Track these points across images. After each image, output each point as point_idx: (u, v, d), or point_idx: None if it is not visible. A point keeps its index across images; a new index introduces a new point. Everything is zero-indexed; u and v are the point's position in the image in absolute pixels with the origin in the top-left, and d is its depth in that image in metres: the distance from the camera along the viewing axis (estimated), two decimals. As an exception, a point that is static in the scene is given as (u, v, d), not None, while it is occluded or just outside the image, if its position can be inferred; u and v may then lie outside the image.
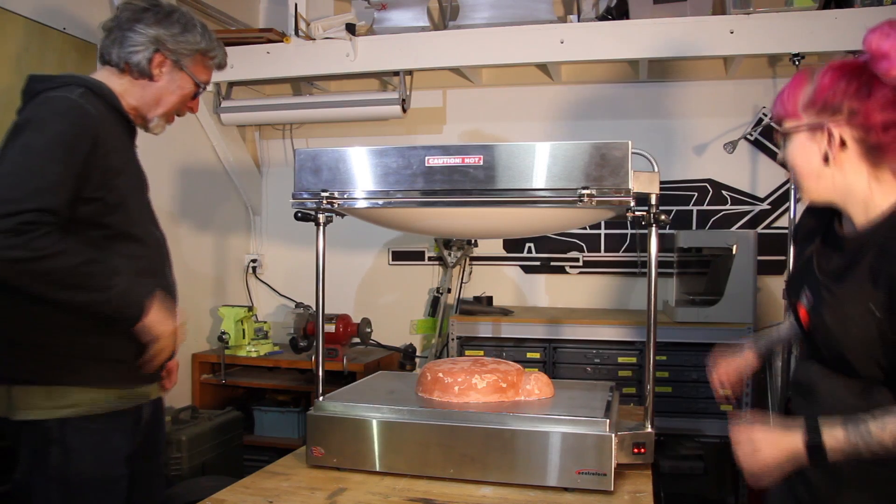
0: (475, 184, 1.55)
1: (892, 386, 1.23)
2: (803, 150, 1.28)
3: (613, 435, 1.48)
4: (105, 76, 1.61)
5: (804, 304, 1.35)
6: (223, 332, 3.28)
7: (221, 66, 1.75)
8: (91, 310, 1.45)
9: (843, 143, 1.24)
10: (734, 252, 2.83)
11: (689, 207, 3.33)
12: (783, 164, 1.34)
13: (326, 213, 1.72)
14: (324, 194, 1.64)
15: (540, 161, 1.53)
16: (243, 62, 3.24)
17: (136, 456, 1.64)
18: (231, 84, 3.45)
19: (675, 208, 3.32)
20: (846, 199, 1.29)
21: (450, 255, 3.49)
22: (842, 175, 1.26)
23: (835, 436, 1.17)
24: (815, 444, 1.18)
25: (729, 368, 1.70)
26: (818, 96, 1.25)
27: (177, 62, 1.62)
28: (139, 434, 1.65)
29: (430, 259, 3.65)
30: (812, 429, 1.18)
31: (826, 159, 1.25)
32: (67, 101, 1.45)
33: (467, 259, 3.57)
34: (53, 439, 1.49)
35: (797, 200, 2.88)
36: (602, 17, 2.97)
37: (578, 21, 2.98)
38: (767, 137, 3.26)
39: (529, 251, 3.55)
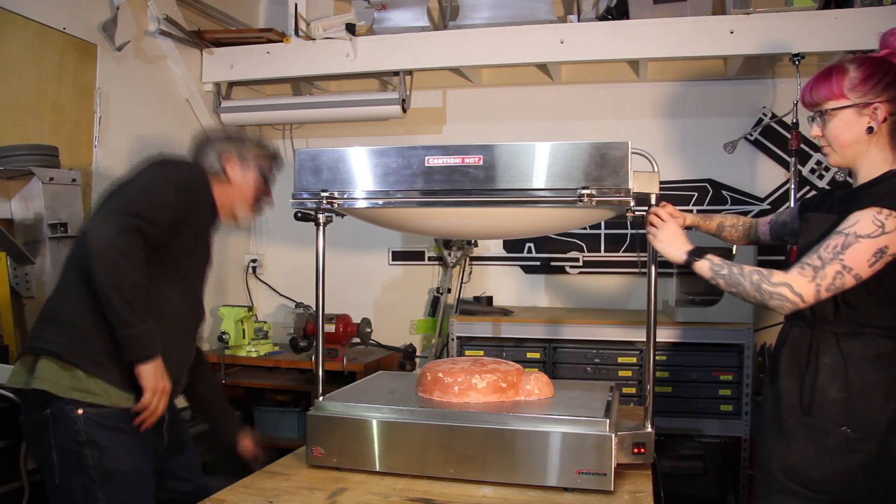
0: (475, 184, 1.55)
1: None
2: (848, 123, 1.55)
3: (613, 435, 1.48)
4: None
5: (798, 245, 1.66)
6: (223, 332, 3.28)
7: (276, 167, 2.04)
8: (116, 322, 1.61)
9: (884, 119, 1.52)
10: (734, 252, 2.83)
11: (690, 207, 3.33)
12: (814, 139, 1.62)
13: (326, 213, 1.73)
14: (324, 194, 1.64)
15: (540, 161, 1.53)
16: (243, 62, 3.25)
17: (166, 454, 1.83)
18: (231, 84, 3.45)
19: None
20: (863, 164, 1.57)
21: (450, 255, 3.48)
22: (872, 144, 1.55)
23: (702, 266, 1.56)
24: (687, 262, 1.58)
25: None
26: (863, 81, 1.53)
27: (248, 161, 1.94)
28: (165, 436, 1.81)
29: (430, 259, 3.65)
30: (694, 254, 1.57)
31: (870, 130, 1.53)
32: (195, 165, 1.89)
33: (467, 259, 3.57)
34: (84, 441, 1.61)
35: (797, 200, 2.88)
36: (602, 17, 2.97)
37: (578, 21, 2.98)
38: (767, 137, 3.26)
39: (529, 251, 3.55)
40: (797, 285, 1.44)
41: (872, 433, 1.49)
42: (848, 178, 1.69)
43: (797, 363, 1.59)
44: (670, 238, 1.59)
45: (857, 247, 1.42)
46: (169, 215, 1.68)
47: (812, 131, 1.63)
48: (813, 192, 3.10)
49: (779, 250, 3.14)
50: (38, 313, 1.75)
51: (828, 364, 1.53)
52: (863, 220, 1.43)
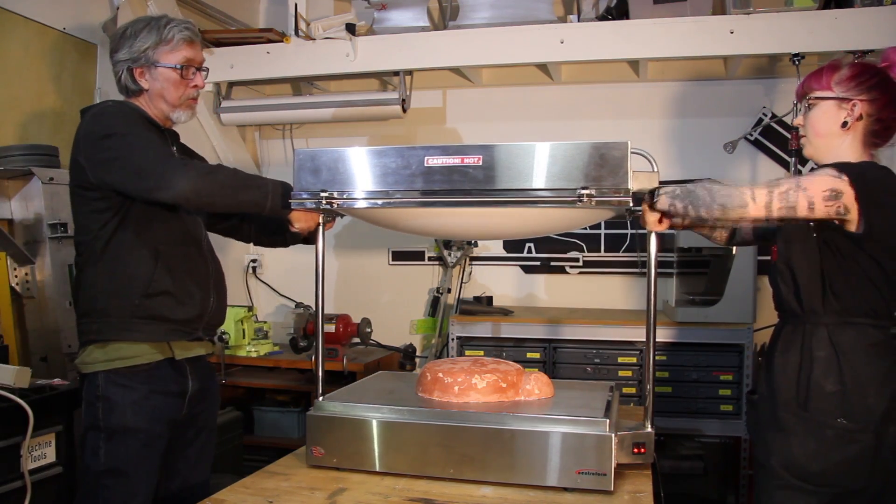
0: (474, 184, 1.55)
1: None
2: (827, 114, 1.63)
3: (613, 435, 1.47)
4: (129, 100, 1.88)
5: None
6: (223, 332, 3.27)
7: (191, 39, 1.84)
8: (258, 207, 1.74)
9: (859, 117, 1.60)
10: (734, 252, 2.83)
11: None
12: (796, 126, 1.72)
13: (326, 214, 1.73)
14: (323, 194, 1.64)
15: (539, 161, 1.52)
16: (243, 62, 3.25)
17: (181, 425, 1.85)
18: (231, 84, 3.45)
19: (675, 208, 3.31)
20: (832, 159, 1.62)
21: (450, 255, 3.49)
22: (844, 140, 1.62)
23: (661, 201, 1.53)
24: (652, 204, 1.55)
25: None
26: (850, 78, 1.60)
27: (147, 64, 1.79)
28: (184, 405, 1.83)
29: (430, 259, 3.65)
30: (651, 193, 1.54)
31: (844, 125, 1.60)
32: (108, 105, 1.79)
33: (467, 259, 3.57)
34: (100, 395, 1.73)
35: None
36: (602, 17, 2.97)
37: (578, 21, 2.98)
38: (767, 137, 3.26)
39: (529, 251, 3.55)
40: (749, 186, 1.48)
41: (869, 423, 1.51)
42: None
43: (791, 359, 1.61)
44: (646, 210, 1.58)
45: (814, 176, 1.49)
46: (160, 141, 1.75)
47: (795, 119, 1.72)
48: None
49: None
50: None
51: (822, 358, 1.56)
52: (822, 169, 1.53)
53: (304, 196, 1.67)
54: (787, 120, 3.17)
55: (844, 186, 1.47)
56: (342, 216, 1.81)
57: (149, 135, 1.72)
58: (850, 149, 1.62)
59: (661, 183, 1.58)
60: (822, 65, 1.66)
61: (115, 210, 1.74)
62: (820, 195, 1.46)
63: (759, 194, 1.46)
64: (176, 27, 1.81)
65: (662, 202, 1.54)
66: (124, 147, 1.68)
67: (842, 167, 1.51)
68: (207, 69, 1.90)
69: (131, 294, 1.74)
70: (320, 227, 1.75)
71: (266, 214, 1.77)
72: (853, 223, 1.50)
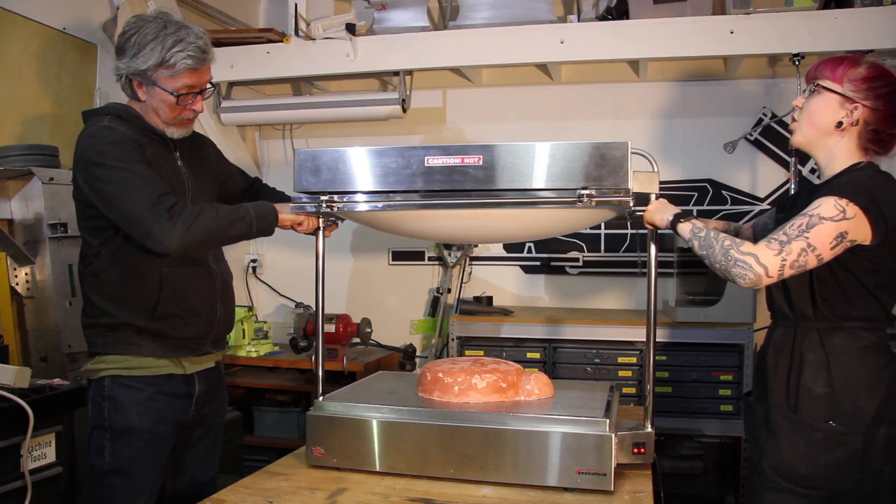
0: (475, 184, 1.55)
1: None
2: (827, 108, 1.58)
3: (613, 435, 1.48)
4: (129, 103, 1.84)
5: None
6: (223, 333, 3.27)
7: (195, 67, 1.74)
8: (245, 237, 1.75)
9: (856, 122, 1.56)
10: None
11: (689, 207, 3.33)
12: (793, 107, 1.66)
13: (326, 218, 1.73)
14: (323, 198, 1.64)
15: (540, 161, 1.52)
16: (243, 62, 3.25)
17: (189, 426, 1.87)
18: (231, 84, 3.45)
19: (675, 208, 3.31)
20: (825, 157, 1.62)
21: (450, 255, 3.49)
22: (839, 142, 1.59)
23: (685, 227, 1.55)
24: (672, 224, 1.56)
25: None
26: (864, 80, 1.55)
27: (145, 80, 1.74)
28: (191, 407, 1.85)
29: (430, 259, 3.65)
30: (677, 217, 1.56)
31: (839, 125, 1.57)
32: (100, 129, 1.70)
33: (467, 259, 3.57)
34: (106, 395, 1.76)
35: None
36: (602, 17, 2.97)
37: (578, 21, 2.98)
38: (767, 137, 3.26)
39: (529, 251, 3.55)
40: (763, 257, 1.45)
41: (857, 426, 1.51)
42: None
43: (783, 362, 1.61)
44: (659, 206, 1.60)
45: (820, 228, 1.45)
46: (154, 176, 1.68)
47: (795, 100, 1.66)
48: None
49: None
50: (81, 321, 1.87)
51: (811, 360, 1.56)
52: (825, 205, 1.47)
53: (304, 199, 1.67)
54: (787, 120, 3.17)
55: (849, 224, 1.45)
56: (342, 220, 1.81)
57: (139, 169, 1.65)
58: (844, 152, 1.59)
59: (661, 184, 1.58)
60: (868, 60, 1.61)
61: (115, 230, 1.72)
62: (827, 248, 1.45)
63: (771, 267, 1.44)
64: (181, 52, 1.70)
65: (686, 231, 1.55)
66: (115, 183, 1.63)
67: (843, 189, 1.48)
68: (213, 87, 1.83)
69: (136, 318, 1.75)
70: (320, 230, 1.75)
71: (254, 237, 1.80)
72: (866, 240, 1.49)
